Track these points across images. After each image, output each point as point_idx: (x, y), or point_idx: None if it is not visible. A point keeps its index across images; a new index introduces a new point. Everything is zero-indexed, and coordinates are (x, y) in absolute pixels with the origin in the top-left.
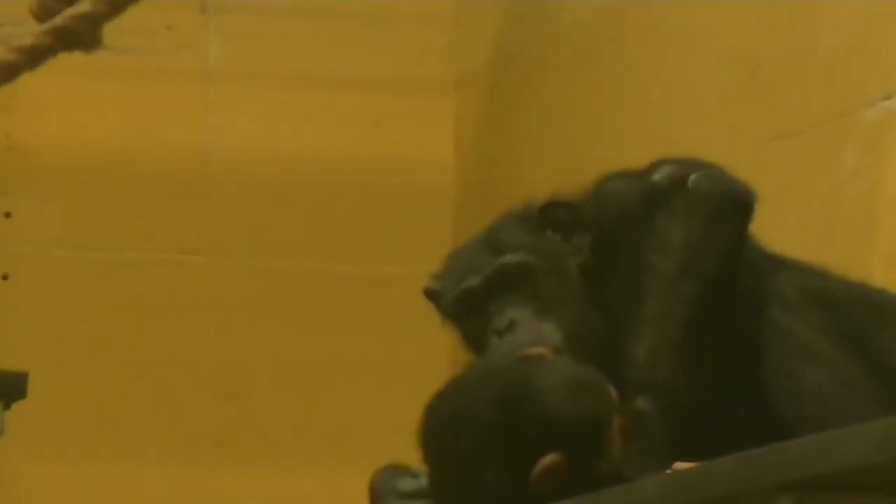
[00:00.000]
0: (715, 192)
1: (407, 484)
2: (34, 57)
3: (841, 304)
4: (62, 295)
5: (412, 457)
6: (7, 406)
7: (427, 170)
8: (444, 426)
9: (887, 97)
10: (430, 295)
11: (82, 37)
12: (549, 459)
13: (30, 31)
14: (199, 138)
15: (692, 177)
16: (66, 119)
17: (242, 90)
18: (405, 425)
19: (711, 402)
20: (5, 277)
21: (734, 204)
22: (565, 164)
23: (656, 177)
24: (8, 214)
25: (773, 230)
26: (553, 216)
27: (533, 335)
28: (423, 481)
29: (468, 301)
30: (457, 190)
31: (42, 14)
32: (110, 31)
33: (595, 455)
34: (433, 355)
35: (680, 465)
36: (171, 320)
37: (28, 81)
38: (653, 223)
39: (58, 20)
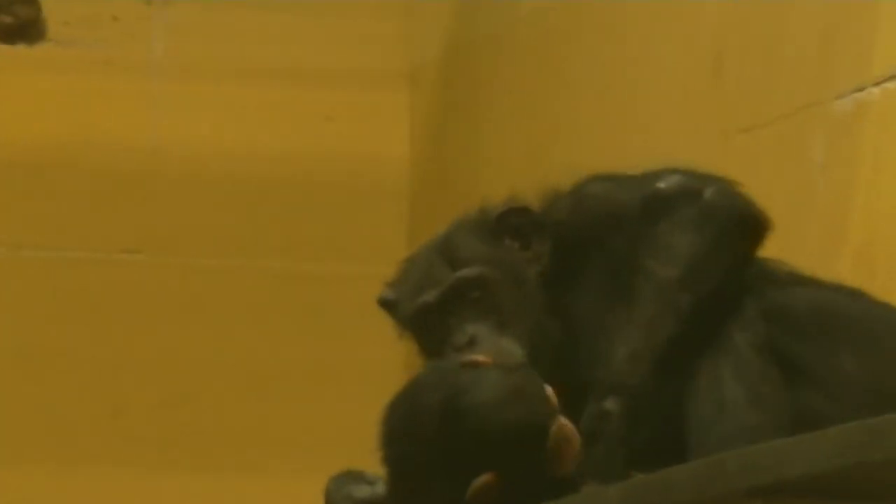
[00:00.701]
0: (733, 209)
1: (361, 491)
2: None
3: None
4: (4, 294)
5: (367, 462)
6: None
7: (381, 166)
8: (396, 430)
9: (860, 89)
10: (385, 304)
11: (24, 28)
12: (482, 480)
13: None
14: (143, 133)
15: (709, 190)
16: (5, 112)
17: (189, 84)
18: (359, 429)
19: (672, 412)
20: None
21: (749, 225)
22: (525, 159)
23: (662, 185)
24: None
25: None
26: (511, 223)
27: (493, 351)
28: (378, 488)
29: (425, 316)
30: (412, 186)
31: None
32: (54, 22)
33: (536, 464)
34: (388, 357)
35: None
36: (113, 322)
37: None
38: (649, 230)
39: None
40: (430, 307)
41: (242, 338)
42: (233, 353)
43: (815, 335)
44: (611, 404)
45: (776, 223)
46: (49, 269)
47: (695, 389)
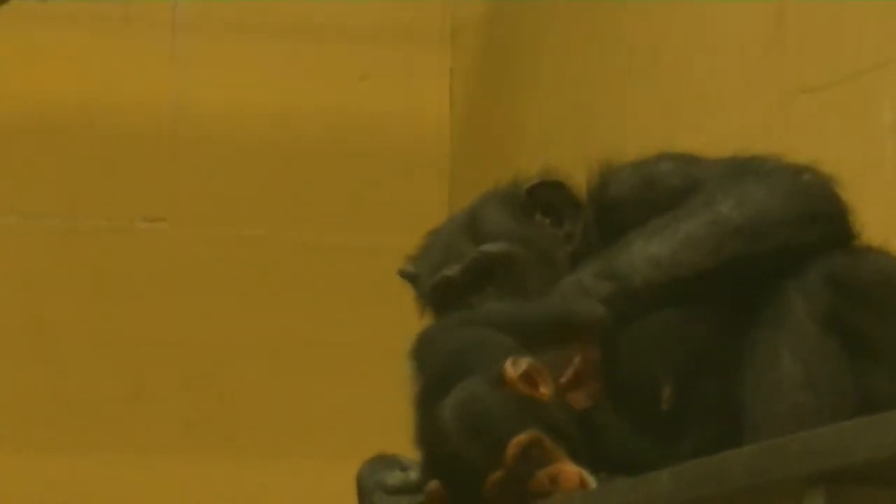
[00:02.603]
0: (828, 198)
1: (394, 478)
2: None
3: (865, 291)
4: (18, 266)
5: (402, 445)
6: None
7: (420, 128)
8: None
9: None
10: (406, 277)
11: None
12: (433, 485)
13: None
14: (165, 94)
15: (808, 174)
16: (19, 72)
17: (214, 41)
18: (394, 410)
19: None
20: None
21: (834, 220)
22: (572, 124)
23: (754, 163)
24: None
25: None
26: (543, 198)
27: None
28: (411, 474)
29: (446, 291)
30: (452, 150)
31: None
32: None
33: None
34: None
35: None
36: (133, 296)
37: None
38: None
39: None
40: (450, 282)
41: (270, 313)
42: (260, 330)
43: (883, 307)
44: (598, 285)
45: (843, 186)
46: (65, 240)
47: (751, 363)
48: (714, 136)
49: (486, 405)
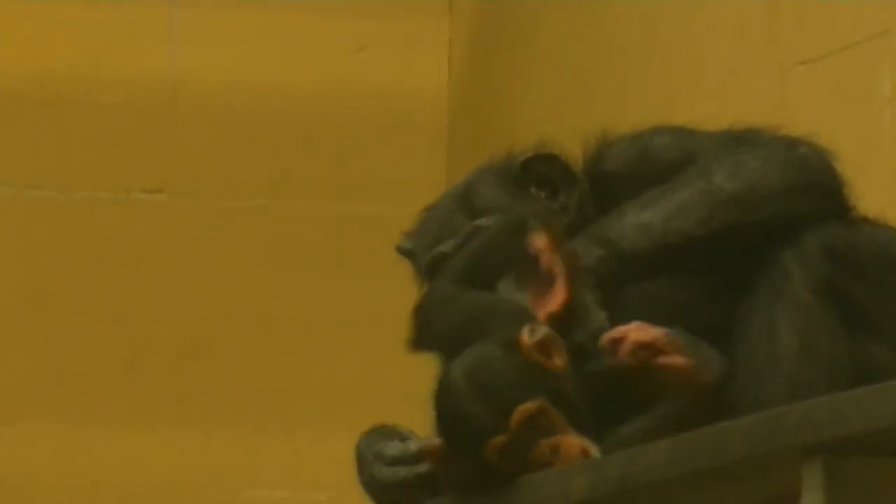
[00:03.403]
0: (825, 171)
1: (393, 448)
2: None
3: (862, 262)
4: (14, 238)
5: (401, 416)
6: None
7: (417, 100)
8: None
9: None
10: (403, 253)
11: None
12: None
13: None
14: (162, 66)
15: (805, 146)
16: (17, 43)
17: (211, 12)
18: (392, 382)
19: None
20: None
21: (831, 194)
22: (570, 96)
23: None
24: None
25: None
26: (537, 171)
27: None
28: (410, 445)
29: (441, 267)
30: (450, 121)
31: None
32: None
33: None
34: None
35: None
36: (129, 267)
37: None
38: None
39: None
40: (445, 258)
41: (268, 285)
42: (257, 301)
43: (879, 278)
44: (589, 250)
45: (839, 159)
46: (62, 211)
47: (747, 333)
48: (711, 109)
49: (498, 369)
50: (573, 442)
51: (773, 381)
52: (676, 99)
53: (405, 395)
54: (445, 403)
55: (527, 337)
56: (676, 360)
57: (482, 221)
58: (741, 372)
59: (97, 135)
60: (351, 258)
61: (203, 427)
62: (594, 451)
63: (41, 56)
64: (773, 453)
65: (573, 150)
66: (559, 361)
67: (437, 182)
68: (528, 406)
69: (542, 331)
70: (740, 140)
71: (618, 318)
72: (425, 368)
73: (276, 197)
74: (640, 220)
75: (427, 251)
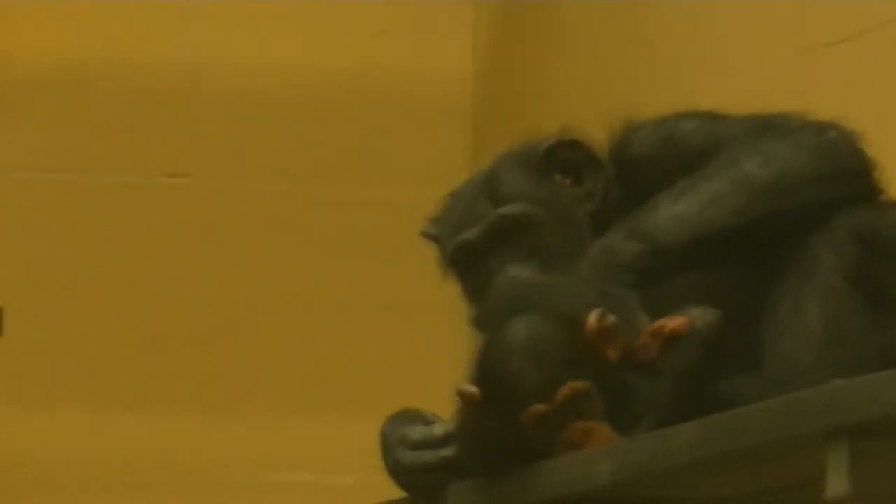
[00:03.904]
0: (855, 155)
1: (418, 432)
2: None
3: (888, 246)
4: (37, 223)
5: (423, 399)
6: None
7: (441, 83)
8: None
9: None
10: (429, 238)
11: None
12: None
13: None
14: (184, 49)
15: (833, 130)
16: (40, 29)
17: None
18: (415, 366)
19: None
20: None
21: (861, 177)
22: (594, 79)
23: (778, 119)
24: None
25: None
26: (561, 157)
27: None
28: (435, 429)
29: (465, 255)
30: (475, 104)
31: None
32: None
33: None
34: (445, 289)
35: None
36: (154, 250)
37: None
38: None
39: None
40: (469, 245)
41: (290, 268)
42: (279, 285)
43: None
44: (625, 246)
45: (866, 142)
46: (86, 195)
47: (775, 317)
48: (735, 92)
49: (560, 340)
50: (605, 432)
51: (801, 364)
52: (700, 82)
53: (430, 378)
54: (499, 357)
55: (594, 321)
56: (673, 321)
57: (506, 209)
58: (769, 355)
59: (119, 119)
60: (375, 242)
61: (226, 410)
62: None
63: (62, 41)
64: (797, 437)
65: (598, 134)
66: (613, 354)
67: (461, 166)
68: (578, 385)
69: (609, 319)
70: (767, 125)
71: (652, 309)
72: (449, 352)
73: (299, 181)
74: (674, 213)
75: (450, 238)
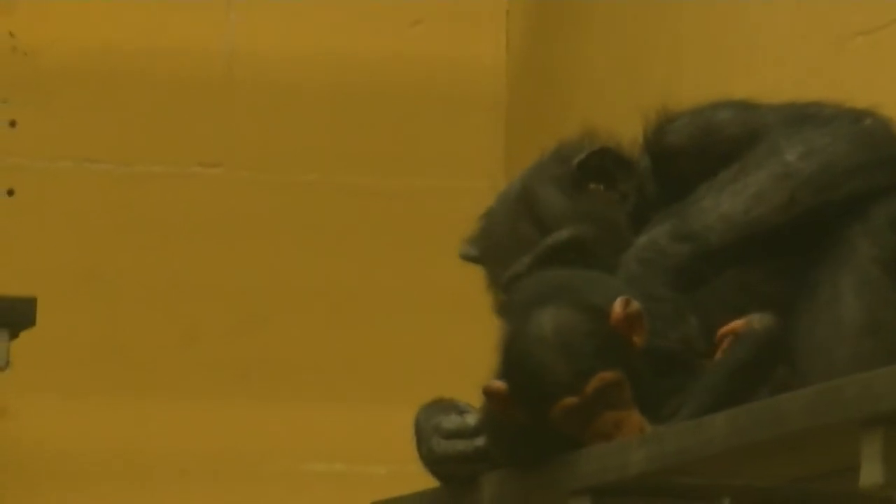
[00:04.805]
0: (892, 141)
1: (451, 422)
2: None
3: None
4: (72, 212)
5: (457, 389)
6: (14, 335)
7: (475, 73)
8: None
9: None
10: (469, 260)
11: None
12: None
13: None
14: (219, 38)
15: (869, 118)
16: (75, 18)
17: None
18: (450, 354)
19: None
20: (10, 193)
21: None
22: (627, 69)
23: (813, 109)
24: (13, 123)
25: None
26: (592, 166)
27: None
28: (469, 418)
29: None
30: (509, 94)
31: None
32: None
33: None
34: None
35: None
36: (189, 240)
37: None
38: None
39: None
40: (523, 276)
41: (325, 258)
42: (314, 275)
43: None
44: (675, 247)
45: None
46: (119, 185)
47: (812, 303)
48: (769, 81)
49: (588, 331)
50: (636, 420)
51: (836, 353)
52: (734, 71)
53: (464, 368)
54: (526, 351)
55: (619, 308)
56: (734, 324)
57: (554, 237)
58: (805, 344)
59: (154, 108)
60: (409, 232)
61: (261, 400)
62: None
63: (97, 29)
64: (832, 426)
65: (631, 125)
66: (639, 340)
67: (494, 156)
68: (608, 375)
69: (634, 305)
70: (804, 114)
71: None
72: (483, 342)
73: (333, 171)
74: (720, 211)
75: (498, 264)
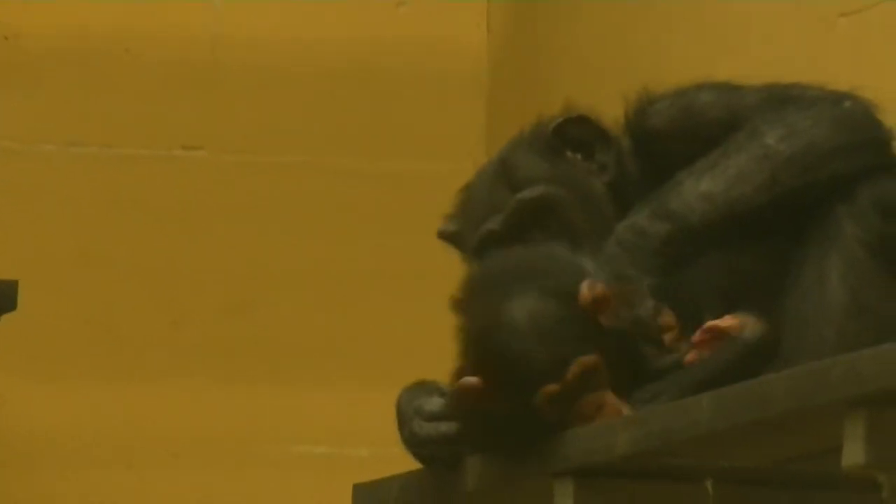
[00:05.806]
0: (872, 124)
1: (433, 404)
2: None
3: None
4: (54, 195)
5: (439, 371)
6: None
7: (457, 54)
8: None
9: None
10: (446, 237)
11: None
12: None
13: None
14: (204, 22)
15: (849, 101)
16: (58, 1)
17: None
18: (433, 337)
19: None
20: None
21: (880, 145)
22: (610, 49)
23: (795, 91)
24: None
25: None
26: (570, 134)
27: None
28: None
29: (491, 244)
30: (491, 76)
31: None
32: None
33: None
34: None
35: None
36: (173, 223)
37: None
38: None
39: None
40: (494, 235)
41: (309, 241)
42: (299, 258)
43: None
44: (655, 226)
45: (887, 112)
46: (103, 168)
47: (797, 288)
48: (754, 62)
49: (561, 317)
50: (615, 402)
51: (821, 334)
52: (718, 52)
53: (446, 351)
54: (503, 343)
55: (587, 291)
56: (726, 321)
57: (525, 193)
58: (790, 325)
59: (138, 91)
60: (392, 214)
61: (246, 384)
62: (629, 412)
63: (81, 13)
64: (816, 407)
65: (614, 107)
66: (606, 321)
67: (476, 137)
68: (587, 359)
69: (601, 287)
70: (785, 97)
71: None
72: None
73: (317, 153)
74: (700, 191)
75: (473, 230)
